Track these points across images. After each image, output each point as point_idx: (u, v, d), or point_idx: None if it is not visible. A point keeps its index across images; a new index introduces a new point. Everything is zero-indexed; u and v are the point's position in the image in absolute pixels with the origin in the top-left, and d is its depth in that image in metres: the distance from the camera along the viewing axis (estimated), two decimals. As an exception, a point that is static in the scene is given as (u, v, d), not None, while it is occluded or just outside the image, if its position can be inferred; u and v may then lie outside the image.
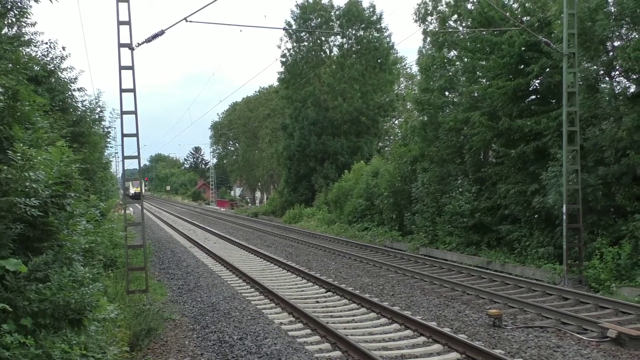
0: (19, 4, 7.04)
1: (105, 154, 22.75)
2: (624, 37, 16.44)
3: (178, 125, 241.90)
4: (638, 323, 10.66)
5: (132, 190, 63.10)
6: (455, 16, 24.65)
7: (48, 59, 13.89)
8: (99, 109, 16.96)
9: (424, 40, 27.42)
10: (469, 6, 23.76)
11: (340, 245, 25.10)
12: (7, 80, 5.82)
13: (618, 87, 16.91)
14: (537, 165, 18.27)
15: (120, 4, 12.73)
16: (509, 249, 19.31)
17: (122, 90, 12.93)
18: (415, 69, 40.88)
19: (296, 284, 15.46)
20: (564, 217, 15.34)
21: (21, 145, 5.44)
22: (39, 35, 11.71)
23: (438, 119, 23.81)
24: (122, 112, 13.04)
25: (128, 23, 12.73)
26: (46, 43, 13.77)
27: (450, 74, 24.67)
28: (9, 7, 6.95)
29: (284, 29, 44.60)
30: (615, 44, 16.80)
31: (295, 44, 46.07)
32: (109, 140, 20.85)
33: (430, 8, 26.45)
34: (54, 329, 5.25)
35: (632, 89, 16.30)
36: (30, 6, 7.18)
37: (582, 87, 16.61)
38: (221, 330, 10.33)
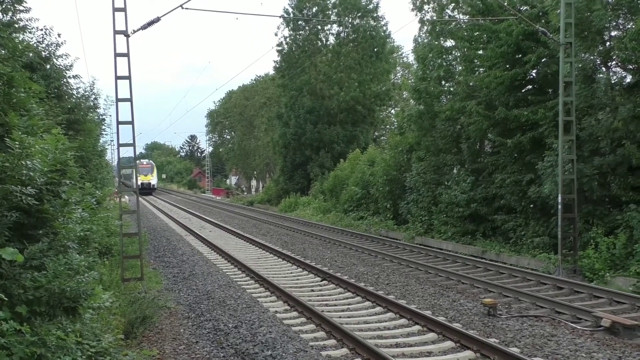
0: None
1: (101, 141, 22.75)
2: (621, 27, 16.45)
3: (174, 113, 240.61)
4: (632, 312, 10.74)
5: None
6: (453, 4, 24.48)
7: (43, 45, 13.85)
8: (93, 97, 16.95)
9: (421, 29, 27.27)
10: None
11: (336, 234, 25.13)
12: (2, 67, 5.78)
13: (614, 77, 16.92)
14: (533, 155, 18.29)
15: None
16: (504, 238, 19.37)
17: (117, 78, 12.86)
18: (411, 57, 40.74)
19: (291, 273, 15.48)
20: (560, 206, 15.37)
21: (19, 133, 5.41)
22: (34, 22, 11.64)
23: (434, 108, 23.77)
24: (118, 100, 12.96)
25: (124, 10, 12.62)
26: (41, 29, 13.74)
27: (447, 63, 24.58)
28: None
29: (281, 16, 44.34)
30: (612, 34, 16.80)
31: (292, 32, 45.82)
32: (103, 127, 20.85)
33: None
34: (49, 317, 5.25)
35: (629, 79, 16.33)
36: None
37: (578, 77, 16.60)
38: (216, 318, 10.34)
